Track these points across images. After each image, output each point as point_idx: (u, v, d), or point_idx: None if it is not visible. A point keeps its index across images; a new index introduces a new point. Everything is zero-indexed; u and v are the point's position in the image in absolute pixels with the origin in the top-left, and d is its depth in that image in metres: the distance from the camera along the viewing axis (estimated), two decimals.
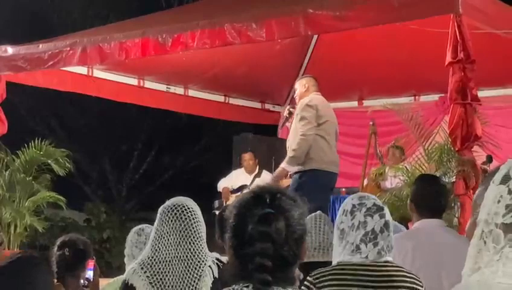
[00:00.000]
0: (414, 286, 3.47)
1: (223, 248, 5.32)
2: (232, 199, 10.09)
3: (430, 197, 5.12)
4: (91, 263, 5.30)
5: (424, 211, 4.99)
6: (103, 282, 6.59)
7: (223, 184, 10.83)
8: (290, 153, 8.90)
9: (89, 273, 5.34)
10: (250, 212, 2.49)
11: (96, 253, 6.82)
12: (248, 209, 2.51)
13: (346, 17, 8.36)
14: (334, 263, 3.60)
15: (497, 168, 1.93)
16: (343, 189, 11.26)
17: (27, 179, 10.20)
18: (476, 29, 7.71)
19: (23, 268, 3.38)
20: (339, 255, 3.58)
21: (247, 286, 2.46)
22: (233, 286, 2.52)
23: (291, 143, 8.92)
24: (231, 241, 2.57)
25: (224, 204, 10.05)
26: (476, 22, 7.77)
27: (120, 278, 5.17)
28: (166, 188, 9.18)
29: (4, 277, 3.31)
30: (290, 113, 9.40)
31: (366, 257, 3.40)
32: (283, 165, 8.95)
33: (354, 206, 3.59)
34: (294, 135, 8.96)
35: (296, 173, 8.94)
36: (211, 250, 4.46)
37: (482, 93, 7.99)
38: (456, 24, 7.50)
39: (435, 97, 10.87)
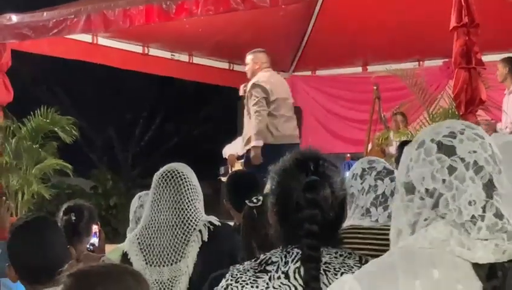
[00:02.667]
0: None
1: (229, 212, 5.34)
2: (238, 165, 10.09)
3: None
4: (96, 229, 5.36)
5: None
6: (109, 247, 6.62)
7: (228, 151, 10.83)
8: (253, 133, 9.09)
9: (94, 239, 5.42)
10: (295, 180, 2.54)
11: (103, 220, 6.82)
12: (292, 177, 2.57)
13: None
14: (343, 226, 3.58)
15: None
16: (348, 154, 11.28)
17: (34, 146, 10.24)
18: None
19: (41, 226, 3.40)
20: (348, 219, 3.53)
21: (293, 249, 2.51)
22: (281, 249, 2.56)
23: (250, 125, 9.17)
24: (275, 207, 2.64)
25: (230, 170, 10.06)
26: None
27: (121, 246, 5.23)
28: (172, 155, 9.16)
29: (23, 234, 3.38)
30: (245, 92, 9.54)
31: (376, 220, 3.42)
32: (253, 143, 9.05)
33: (364, 170, 3.60)
34: (247, 114, 9.32)
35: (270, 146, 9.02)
36: (217, 214, 4.45)
37: (486, 58, 7.96)
38: None
39: (439, 62, 10.86)
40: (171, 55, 11.78)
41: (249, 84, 9.24)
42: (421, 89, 10.22)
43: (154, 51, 11.30)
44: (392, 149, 9.77)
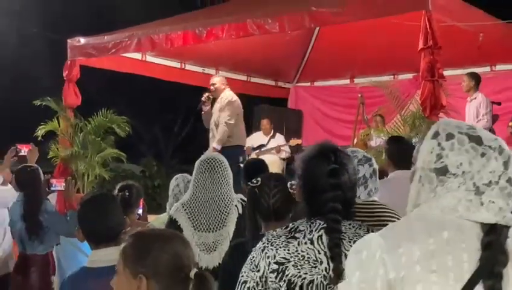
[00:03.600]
0: (396, 220, 3.32)
1: (245, 190, 5.33)
2: (252, 154, 10.11)
3: (404, 153, 5.08)
4: (141, 203, 5.43)
5: (400, 164, 4.87)
6: (151, 217, 6.69)
7: (246, 142, 10.82)
8: (217, 138, 9.29)
9: (140, 210, 5.50)
10: (319, 168, 2.54)
11: (149, 196, 6.86)
12: (316, 165, 2.56)
13: (341, 13, 8.34)
14: None
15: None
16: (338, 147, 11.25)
17: (96, 139, 10.26)
18: (442, 22, 7.67)
19: (104, 200, 3.47)
20: None
21: (316, 221, 2.51)
22: (306, 220, 2.55)
23: (218, 129, 9.36)
24: (303, 189, 2.61)
25: (246, 158, 10.09)
26: (442, 17, 7.74)
27: (163, 216, 5.28)
28: (202, 147, 9.21)
29: (91, 205, 3.43)
30: (209, 98, 9.72)
31: (358, 197, 3.33)
32: (215, 145, 9.25)
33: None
34: (216, 120, 9.44)
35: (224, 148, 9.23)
36: (236, 192, 4.48)
37: (446, 72, 7.95)
38: (426, 18, 7.50)
39: (409, 76, 10.82)
40: (202, 69, 11.73)
41: (225, 99, 9.47)
42: (395, 97, 10.19)
43: (189, 66, 11.28)
44: (372, 143, 9.77)
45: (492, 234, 1.80)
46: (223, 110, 9.31)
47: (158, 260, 2.21)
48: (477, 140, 1.87)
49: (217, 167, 4.36)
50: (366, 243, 1.89)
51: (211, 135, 9.54)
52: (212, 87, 9.67)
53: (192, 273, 2.18)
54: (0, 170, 6.51)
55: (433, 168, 1.88)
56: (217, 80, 9.87)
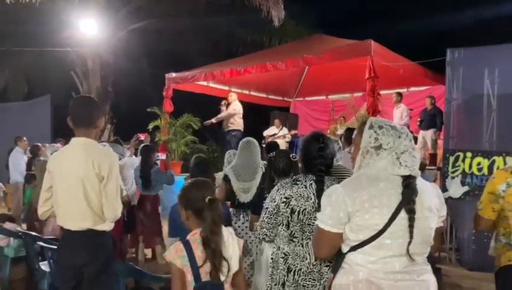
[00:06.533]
0: (349, 176, 3.27)
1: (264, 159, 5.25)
2: (269, 139, 10.10)
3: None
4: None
5: (350, 143, 4.82)
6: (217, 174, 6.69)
7: (265, 132, 10.84)
8: (220, 115, 9.67)
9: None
10: (312, 145, 2.51)
11: (212, 162, 6.84)
12: (311, 144, 2.53)
13: (321, 58, 8.34)
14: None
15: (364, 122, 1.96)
16: None
17: (181, 130, 10.34)
18: (379, 62, 7.65)
19: (208, 163, 3.40)
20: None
21: (308, 175, 2.49)
22: (303, 175, 2.52)
23: (232, 117, 9.51)
24: (302, 158, 2.56)
25: (265, 141, 10.11)
26: (379, 60, 7.71)
27: (220, 173, 5.24)
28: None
29: (200, 168, 3.31)
30: (225, 104, 9.85)
31: (337, 160, 3.28)
32: (213, 120, 9.85)
33: None
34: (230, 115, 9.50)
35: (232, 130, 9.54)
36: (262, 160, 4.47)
37: (381, 92, 7.93)
38: (370, 60, 7.48)
39: (360, 94, 10.70)
40: (241, 90, 11.60)
41: (238, 103, 9.64)
42: (352, 106, 10.22)
43: (234, 89, 11.15)
44: (338, 132, 9.76)
45: (408, 179, 1.82)
46: (233, 107, 9.55)
47: (188, 197, 2.16)
48: (394, 128, 1.89)
49: (251, 145, 4.29)
50: (333, 190, 1.88)
51: (224, 122, 9.79)
52: (229, 98, 9.77)
53: (206, 199, 2.10)
54: (129, 148, 6.56)
55: (373, 146, 1.87)
56: (233, 94, 9.95)
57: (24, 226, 6.32)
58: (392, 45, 8.46)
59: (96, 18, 11.39)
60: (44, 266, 4.01)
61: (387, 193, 1.79)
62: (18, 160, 8.36)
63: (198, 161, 3.37)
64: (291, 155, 3.25)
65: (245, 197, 4.15)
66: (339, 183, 2.41)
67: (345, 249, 1.87)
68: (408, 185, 1.80)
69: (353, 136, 2.02)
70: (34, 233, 4.70)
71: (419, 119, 9.46)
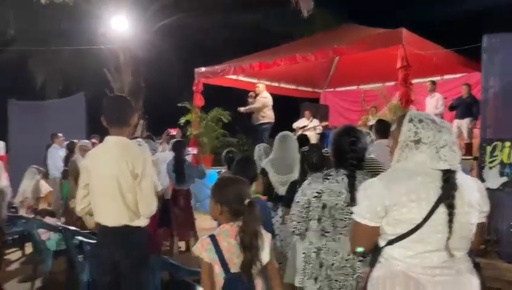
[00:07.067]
0: (381, 168, 3.20)
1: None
2: (299, 131, 10.06)
3: (384, 129, 4.91)
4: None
5: (381, 136, 4.61)
6: None
7: (295, 124, 10.76)
8: (252, 106, 9.57)
9: None
10: (344, 139, 2.49)
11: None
12: (342, 137, 2.50)
13: (351, 48, 8.23)
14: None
15: (403, 116, 1.94)
16: None
17: (212, 124, 10.43)
18: (411, 50, 7.48)
19: (250, 160, 3.38)
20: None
21: (339, 170, 2.47)
22: (334, 169, 2.51)
23: (262, 110, 9.44)
24: (334, 152, 2.54)
25: (295, 134, 10.06)
26: (411, 48, 7.54)
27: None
28: (276, 131, 9.30)
29: (245, 162, 3.27)
30: (253, 95, 9.84)
31: (369, 154, 3.25)
32: (242, 109, 9.78)
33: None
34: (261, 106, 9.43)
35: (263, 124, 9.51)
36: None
37: (414, 81, 7.78)
38: (402, 48, 7.34)
39: (392, 83, 10.48)
40: (270, 82, 11.55)
41: (265, 94, 9.58)
42: (384, 96, 10.03)
43: (263, 81, 11.07)
44: (370, 123, 9.62)
45: (447, 174, 1.79)
46: (263, 99, 9.51)
47: (227, 194, 2.17)
48: (434, 122, 1.86)
49: (288, 139, 4.32)
50: (370, 183, 1.87)
51: (254, 115, 9.71)
52: (256, 89, 9.72)
53: (246, 202, 2.12)
54: (161, 143, 6.67)
55: (412, 140, 1.85)
56: (260, 85, 9.88)
57: (63, 220, 6.53)
58: (425, 32, 8.24)
59: (127, 15, 11.59)
60: (83, 259, 4.14)
61: (426, 187, 1.77)
62: (55, 156, 8.64)
63: (241, 158, 3.39)
64: (323, 150, 3.22)
65: (283, 190, 4.16)
66: (371, 177, 2.40)
67: (382, 243, 1.86)
68: (448, 179, 1.78)
69: (391, 129, 2.00)
70: (73, 227, 4.87)
71: (450, 104, 9.23)
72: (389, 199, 1.78)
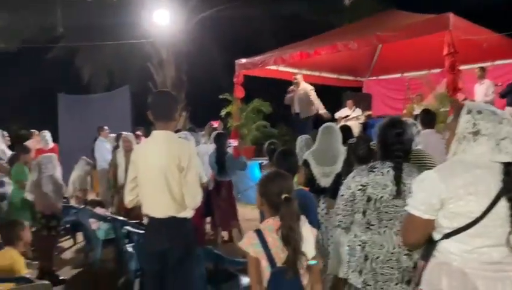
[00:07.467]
0: (433, 163, 3.06)
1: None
2: (342, 122, 9.93)
3: (429, 119, 4.83)
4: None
5: (427, 126, 4.62)
6: None
7: (337, 114, 10.58)
8: (320, 106, 9.29)
9: None
10: (389, 131, 2.45)
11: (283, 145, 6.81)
12: (388, 129, 2.47)
13: (395, 35, 8.03)
14: None
15: (461, 107, 1.90)
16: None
17: (253, 115, 10.49)
18: (458, 36, 7.22)
19: (290, 150, 3.38)
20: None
21: (385, 162, 2.43)
22: (379, 162, 2.47)
23: (316, 103, 9.27)
24: (380, 144, 2.51)
25: (338, 124, 9.93)
26: (458, 33, 7.27)
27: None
28: (320, 122, 9.18)
29: (286, 154, 3.23)
30: (295, 84, 9.45)
31: (416, 145, 3.16)
32: (323, 112, 9.36)
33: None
34: (303, 98, 9.25)
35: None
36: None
37: (462, 67, 7.50)
38: (449, 34, 7.11)
39: (438, 70, 10.13)
40: (311, 72, 11.44)
41: (308, 87, 9.38)
42: (430, 83, 9.73)
43: (304, 71, 10.94)
44: (416, 112, 9.35)
45: (508, 167, 1.75)
46: (310, 93, 9.31)
47: (266, 187, 2.22)
48: (494, 113, 1.81)
49: (331, 130, 4.29)
50: (426, 175, 1.84)
51: (295, 106, 9.50)
52: (295, 80, 9.56)
53: (283, 197, 2.14)
54: (203, 135, 6.77)
55: (470, 131, 1.81)
56: (299, 76, 9.70)
57: (111, 210, 6.78)
58: (473, 16, 7.91)
59: (169, 8, 11.79)
60: (131, 248, 4.31)
61: (485, 180, 1.73)
62: (101, 149, 8.96)
63: (282, 150, 3.38)
64: (371, 143, 3.18)
65: (326, 182, 4.13)
66: (418, 169, 2.39)
67: (437, 236, 1.83)
68: (508, 172, 1.73)
69: (448, 121, 1.97)
70: (121, 218, 5.07)
71: (501, 91, 8.83)
72: (446, 192, 1.76)
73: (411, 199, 1.88)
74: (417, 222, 1.84)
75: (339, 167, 4.07)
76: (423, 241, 1.88)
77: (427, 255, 1.87)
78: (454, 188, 1.74)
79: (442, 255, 1.81)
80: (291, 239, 2.08)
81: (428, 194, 1.80)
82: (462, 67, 7.64)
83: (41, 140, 9.26)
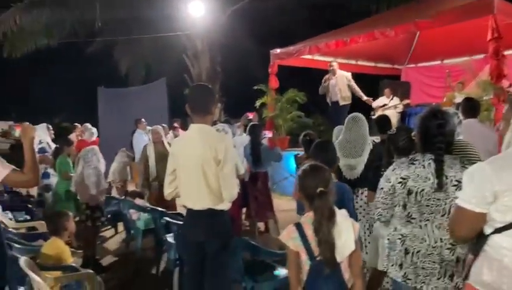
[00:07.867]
0: (477, 154, 2.98)
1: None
2: (379, 111, 9.73)
3: (472, 107, 4.62)
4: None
5: (469, 115, 4.41)
6: None
7: (375, 103, 10.37)
8: (362, 94, 9.47)
9: None
10: (430, 122, 2.39)
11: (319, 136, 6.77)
12: (429, 120, 2.40)
13: (434, 22, 7.75)
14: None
15: None
16: (434, 104, 10.49)
17: (287, 106, 10.42)
18: (503, 20, 6.90)
19: (328, 142, 3.37)
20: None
21: (426, 154, 2.38)
22: (420, 154, 2.42)
23: (357, 91, 9.46)
24: (420, 135, 2.44)
25: (375, 113, 9.76)
26: (502, 17, 6.95)
27: None
28: (354, 110, 9.07)
29: (323, 145, 3.23)
30: (331, 71, 9.45)
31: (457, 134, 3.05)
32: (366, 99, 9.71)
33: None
34: (341, 87, 9.35)
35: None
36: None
37: (506, 52, 7.19)
38: (493, 19, 6.80)
39: (481, 56, 9.75)
40: (348, 61, 11.27)
41: (346, 74, 9.51)
42: (472, 70, 9.39)
43: (340, 60, 10.75)
44: (457, 101, 9.07)
45: None
46: (350, 80, 9.41)
47: (303, 180, 2.22)
48: None
49: (357, 120, 4.22)
50: (478, 168, 1.78)
51: (331, 94, 9.55)
52: (330, 67, 9.49)
53: (317, 191, 2.13)
54: (239, 127, 6.80)
55: None
56: (334, 63, 9.60)
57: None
58: None
59: (203, 0, 11.85)
60: (170, 238, 4.42)
61: None
62: (139, 141, 9.17)
63: (319, 141, 3.36)
64: (412, 134, 3.11)
65: (351, 174, 4.09)
66: (460, 161, 2.33)
67: (488, 230, 1.77)
68: None
69: (504, 111, 1.91)
70: (160, 208, 5.19)
71: None
72: (499, 185, 1.69)
73: (461, 191, 1.83)
74: (468, 216, 1.78)
75: (364, 158, 4.01)
76: (473, 235, 1.83)
77: (476, 250, 1.82)
78: (508, 181, 1.67)
79: (493, 250, 1.76)
80: (321, 233, 2.08)
81: (480, 187, 1.73)
82: (506, 52, 7.30)
83: (85, 131, 9.49)
